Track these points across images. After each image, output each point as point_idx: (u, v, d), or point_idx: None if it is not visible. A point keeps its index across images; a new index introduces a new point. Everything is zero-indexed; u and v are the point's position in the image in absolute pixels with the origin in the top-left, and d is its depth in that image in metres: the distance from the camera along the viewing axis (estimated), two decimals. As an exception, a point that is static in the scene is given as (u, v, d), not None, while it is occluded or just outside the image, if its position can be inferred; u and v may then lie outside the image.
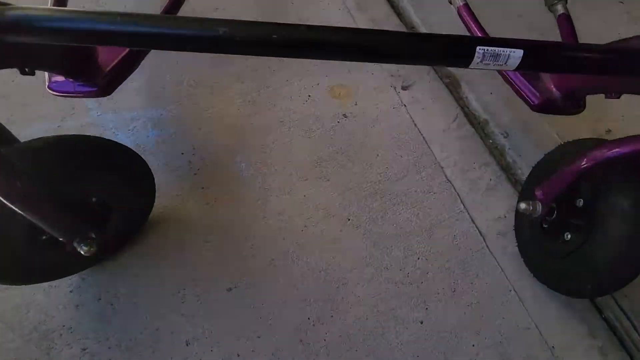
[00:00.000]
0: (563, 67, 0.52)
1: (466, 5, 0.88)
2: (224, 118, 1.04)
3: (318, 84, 1.11)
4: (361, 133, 1.04)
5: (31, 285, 0.79)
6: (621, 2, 1.36)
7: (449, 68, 1.17)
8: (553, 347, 0.80)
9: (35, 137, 0.65)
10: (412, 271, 0.86)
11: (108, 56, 0.74)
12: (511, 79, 0.80)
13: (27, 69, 0.59)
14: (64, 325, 0.78)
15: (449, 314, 0.82)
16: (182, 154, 0.98)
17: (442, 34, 0.48)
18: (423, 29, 1.24)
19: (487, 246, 0.90)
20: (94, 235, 0.66)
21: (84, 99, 1.04)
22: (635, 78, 0.59)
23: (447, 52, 0.48)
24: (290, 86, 1.10)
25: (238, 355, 0.77)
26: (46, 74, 0.73)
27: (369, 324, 0.81)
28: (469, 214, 0.94)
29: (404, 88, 1.12)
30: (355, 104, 1.08)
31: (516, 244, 0.89)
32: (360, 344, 0.79)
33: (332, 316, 0.81)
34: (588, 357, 0.79)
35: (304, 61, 1.14)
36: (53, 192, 0.59)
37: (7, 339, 0.76)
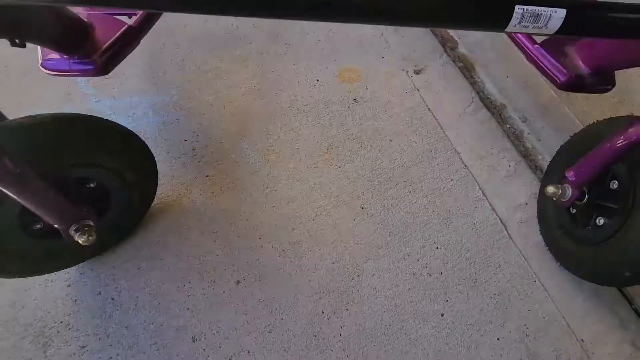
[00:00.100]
0: (613, 31, 0.47)
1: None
2: (228, 104, 0.99)
3: (326, 68, 1.06)
4: (372, 118, 0.99)
5: (26, 278, 0.74)
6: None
7: (462, 51, 1.12)
8: (582, 340, 0.75)
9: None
10: (430, 261, 0.82)
11: (105, 31, 0.69)
12: (535, 55, 0.75)
13: (17, 40, 0.54)
14: (61, 322, 0.73)
15: (471, 306, 0.77)
16: (185, 140, 0.93)
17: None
18: None
19: (508, 235, 0.85)
20: (92, 223, 0.61)
21: (81, 84, 0.99)
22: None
23: (481, 12, 0.43)
24: (298, 70, 1.05)
25: (248, 352, 0.72)
26: (39, 50, 0.68)
27: (387, 317, 0.76)
28: (488, 201, 0.89)
29: (416, 72, 1.07)
30: (366, 88, 1.03)
31: (540, 231, 0.84)
32: (378, 338, 0.74)
33: (347, 309, 0.76)
34: (620, 350, 0.74)
35: (311, 44, 1.09)
36: (46, 173, 0.54)
37: (0, 337, 0.71)
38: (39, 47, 0.68)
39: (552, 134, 0.98)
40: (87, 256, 0.76)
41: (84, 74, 0.68)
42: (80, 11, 0.69)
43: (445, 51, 1.12)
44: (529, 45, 0.74)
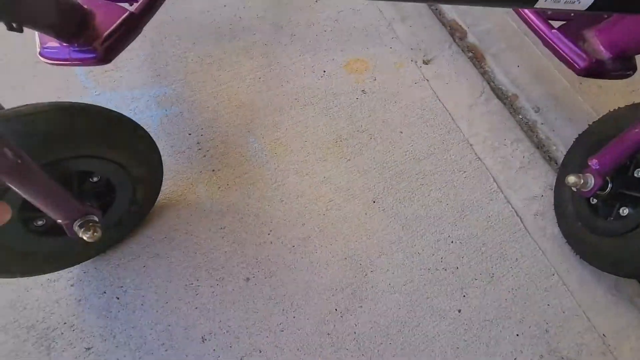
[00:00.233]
0: (648, 6, 0.44)
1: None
2: (233, 96, 0.96)
3: (333, 59, 1.03)
4: (382, 109, 0.96)
5: (27, 278, 0.71)
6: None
7: (471, 40, 1.10)
8: (604, 335, 0.73)
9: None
10: (445, 256, 0.79)
11: (106, 18, 0.66)
12: (553, 40, 0.72)
13: (14, 24, 0.51)
14: (65, 322, 0.70)
15: (488, 301, 0.75)
16: (190, 134, 0.90)
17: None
18: None
19: (524, 227, 0.83)
20: (96, 219, 0.58)
21: (80, 77, 0.96)
22: None
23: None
24: (304, 61, 1.02)
25: (260, 352, 0.69)
26: (37, 39, 0.65)
27: (402, 314, 0.73)
28: (503, 193, 0.86)
29: (425, 62, 1.04)
30: (374, 79, 1.00)
31: (557, 224, 0.82)
32: (393, 335, 0.71)
33: (361, 306, 0.74)
34: (643, 345, 0.72)
35: (316, 35, 1.06)
36: (46, 166, 0.51)
37: None
38: (36, 35, 0.65)
39: (566, 124, 0.96)
40: (92, 254, 0.73)
41: (85, 62, 0.64)
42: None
43: (454, 41, 1.10)
44: (546, 31, 0.71)
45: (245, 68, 1.00)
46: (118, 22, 0.65)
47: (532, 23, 0.75)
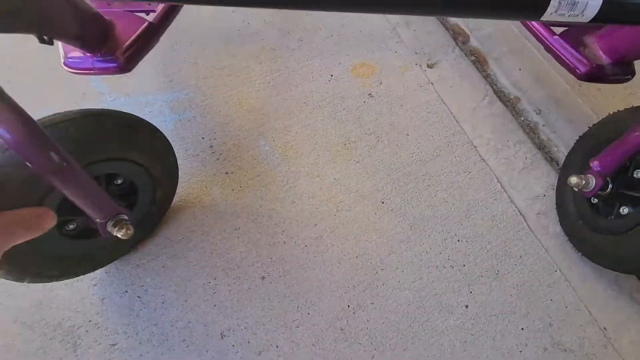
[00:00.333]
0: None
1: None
2: (243, 100, 0.99)
3: (340, 63, 1.06)
4: (388, 113, 0.99)
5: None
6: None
7: (474, 44, 1.13)
8: (605, 328, 0.76)
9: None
10: (452, 254, 0.82)
11: (126, 29, 0.69)
12: (554, 46, 0.76)
13: (45, 37, 0.54)
14: (89, 321, 0.73)
15: (494, 297, 0.78)
16: (203, 138, 0.93)
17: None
18: None
19: (528, 226, 0.86)
20: (127, 217, 0.61)
21: (95, 83, 0.99)
22: None
23: (519, 1, 0.44)
24: (311, 66, 1.05)
25: (277, 347, 0.73)
26: (61, 50, 0.68)
27: (412, 310, 0.77)
28: (506, 193, 0.90)
29: (429, 66, 1.07)
30: (380, 83, 1.03)
31: (559, 222, 0.85)
32: (404, 330, 0.75)
33: (372, 303, 0.77)
34: (642, 337, 0.75)
35: (323, 40, 1.09)
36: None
37: (26, 339, 0.71)
38: (60, 46, 0.67)
39: (567, 126, 0.99)
40: (117, 255, 0.76)
41: (107, 71, 0.67)
42: (100, 8, 0.68)
43: (457, 45, 1.13)
44: (548, 37, 0.74)
45: (254, 73, 1.03)
46: (138, 32, 0.68)
47: (534, 29, 0.78)
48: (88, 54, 0.65)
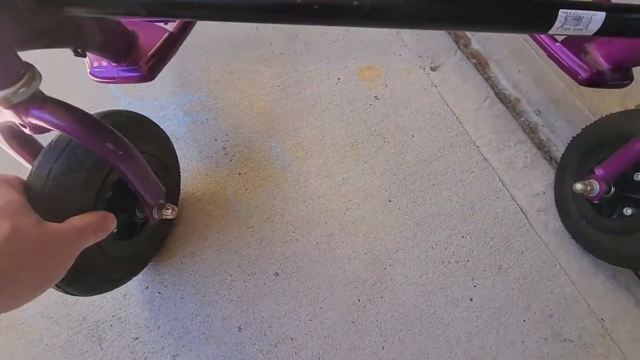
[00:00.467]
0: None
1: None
2: (254, 103, 1.02)
3: (346, 67, 1.10)
4: (394, 114, 1.03)
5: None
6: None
7: (475, 47, 1.17)
8: (602, 319, 0.80)
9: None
10: (457, 250, 0.86)
11: (148, 39, 0.72)
12: (556, 53, 0.79)
13: (79, 50, 0.57)
14: (113, 315, 0.76)
15: (497, 291, 0.82)
16: (216, 140, 0.97)
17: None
18: None
19: (529, 222, 0.90)
20: (163, 201, 0.68)
21: (110, 88, 1.02)
22: None
23: (528, 17, 0.47)
24: (319, 69, 1.09)
25: (292, 339, 0.76)
26: (87, 60, 0.71)
27: (420, 303, 0.80)
28: (508, 191, 0.93)
29: (432, 69, 1.11)
30: (386, 86, 1.07)
31: (559, 220, 0.89)
32: (412, 323, 0.79)
33: (382, 297, 0.81)
34: (638, 327, 0.79)
35: (329, 44, 1.13)
36: None
37: (53, 334, 0.75)
38: (85, 57, 0.71)
39: (566, 126, 1.03)
40: (152, 254, 0.81)
41: (131, 80, 0.71)
42: (123, 18, 0.72)
43: (459, 48, 1.16)
44: (550, 44, 0.78)
45: (264, 76, 1.07)
46: (160, 42, 0.71)
47: (537, 37, 0.82)
48: (113, 64, 0.69)
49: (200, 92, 1.03)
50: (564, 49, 0.77)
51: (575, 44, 0.76)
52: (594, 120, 0.87)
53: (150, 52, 0.70)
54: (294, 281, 0.82)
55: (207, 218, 0.87)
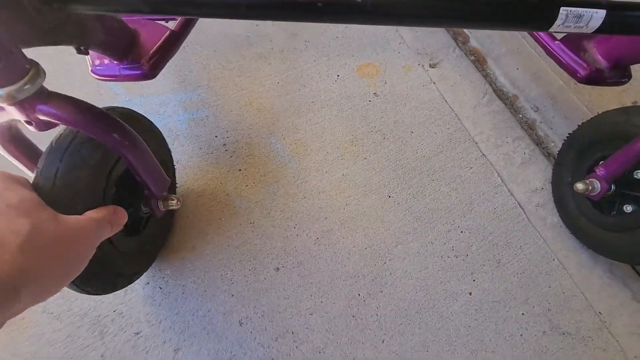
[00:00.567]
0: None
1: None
2: (254, 100, 1.03)
3: (345, 64, 1.10)
4: (393, 111, 1.03)
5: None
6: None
7: (474, 44, 1.17)
8: (600, 312, 0.81)
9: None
10: (456, 245, 0.87)
11: (150, 37, 0.72)
12: (555, 51, 0.80)
13: (82, 48, 0.57)
14: (114, 310, 0.77)
15: (496, 285, 0.83)
16: (216, 137, 0.97)
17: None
18: None
19: (527, 217, 0.91)
20: (165, 193, 0.69)
21: (110, 84, 1.02)
22: None
23: (529, 15, 0.47)
24: (318, 66, 1.09)
25: (292, 333, 0.77)
26: (88, 58, 0.71)
27: (419, 297, 0.81)
28: (506, 187, 0.94)
29: (431, 66, 1.12)
30: (385, 83, 1.07)
31: (557, 215, 0.90)
32: (412, 316, 0.79)
33: (381, 291, 0.81)
34: (634, 321, 0.80)
35: (329, 41, 1.13)
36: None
37: (55, 328, 0.75)
38: (88, 55, 0.71)
39: (563, 122, 1.04)
40: (158, 250, 0.81)
41: (133, 78, 0.71)
42: (125, 16, 0.72)
43: (457, 45, 1.17)
44: (549, 42, 0.79)
45: (264, 73, 1.07)
46: (162, 40, 0.72)
47: (536, 35, 0.82)
48: (115, 62, 0.69)
49: (200, 89, 1.03)
50: (562, 47, 0.77)
51: (574, 42, 0.77)
52: (591, 116, 0.88)
53: (152, 50, 0.71)
54: (295, 276, 0.82)
55: (208, 214, 0.87)
